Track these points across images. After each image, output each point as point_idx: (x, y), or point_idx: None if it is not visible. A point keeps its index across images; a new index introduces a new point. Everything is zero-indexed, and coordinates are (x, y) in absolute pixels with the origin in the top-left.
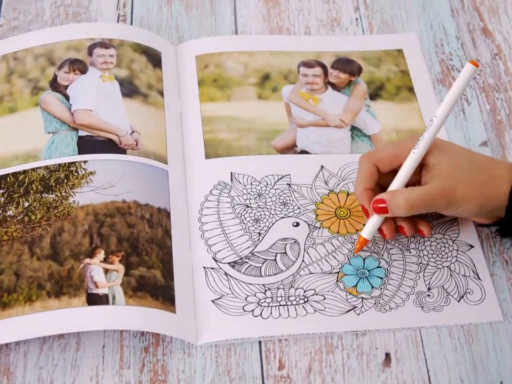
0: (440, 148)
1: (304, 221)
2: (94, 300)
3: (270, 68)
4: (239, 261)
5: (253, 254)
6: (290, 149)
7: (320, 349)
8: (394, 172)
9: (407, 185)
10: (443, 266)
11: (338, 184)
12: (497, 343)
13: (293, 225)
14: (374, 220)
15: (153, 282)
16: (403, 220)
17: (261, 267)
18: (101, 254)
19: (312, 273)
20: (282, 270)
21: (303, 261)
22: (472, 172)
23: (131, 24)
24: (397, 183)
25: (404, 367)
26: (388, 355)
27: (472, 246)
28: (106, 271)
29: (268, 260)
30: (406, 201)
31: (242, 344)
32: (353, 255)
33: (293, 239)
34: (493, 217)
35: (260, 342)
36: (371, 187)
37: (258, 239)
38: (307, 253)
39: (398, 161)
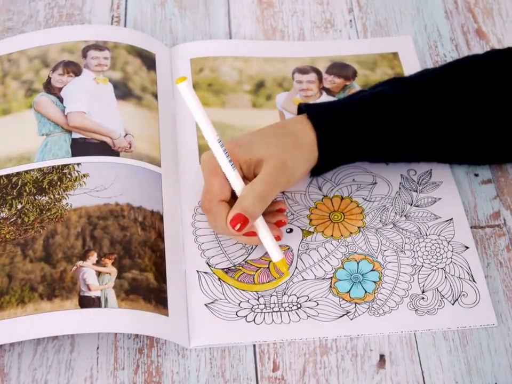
0: (241, 145)
1: (298, 227)
2: (86, 302)
3: (264, 74)
4: (232, 267)
5: (246, 261)
6: None
7: (314, 351)
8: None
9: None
10: (438, 268)
11: (332, 189)
12: (492, 345)
13: (286, 231)
14: (267, 241)
15: (145, 285)
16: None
17: (254, 275)
18: (93, 257)
19: (305, 279)
20: (275, 278)
21: (296, 267)
22: (281, 140)
23: (125, 25)
24: (239, 187)
25: (398, 368)
26: (382, 357)
27: (467, 247)
28: (98, 273)
29: (261, 267)
30: (256, 196)
31: (237, 345)
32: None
33: (286, 245)
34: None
35: (254, 344)
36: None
37: (252, 247)
38: (300, 259)
39: (227, 188)
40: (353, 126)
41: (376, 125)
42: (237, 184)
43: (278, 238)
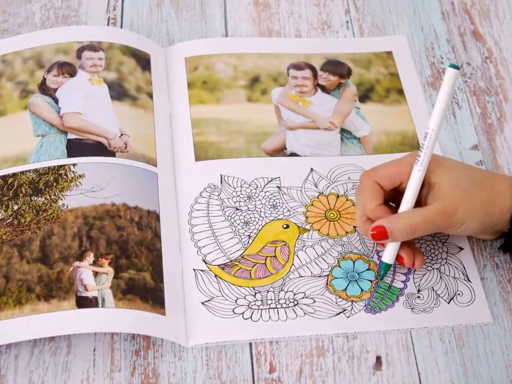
0: (441, 166)
1: (294, 223)
2: (84, 302)
3: (259, 70)
4: (229, 263)
5: (242, 256)
6: (280, 151)
7: (311, 352)
8: (394, 189)
9: None
10: (433, 268)
11: (328, 186)
12: (488, 347)
13: (282, 227)
14: (393, 244)
15: (142, 284)
16: (403, 251)
17: (250, 270)
18: (90, 257)
19: (302, 276)
20: (272, 273)
21: (292, 264)
22: (473, 189)
23: (121, 27)
24: (406, 204)
25: (395, 370)
26: (378, 358)
27: (461, 248)
28: (95, 274)
29: (257, 263)
30: (406, 225)
31: (233, 347)
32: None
33: (283, 241)
34: (495, 232)
35: (250, 345)
36: (380, 203)
37: (248, 241)
38: (297, 255)
39: (399, 179)
40: None
41: None
42: (411, 198)
43: (401, 262)
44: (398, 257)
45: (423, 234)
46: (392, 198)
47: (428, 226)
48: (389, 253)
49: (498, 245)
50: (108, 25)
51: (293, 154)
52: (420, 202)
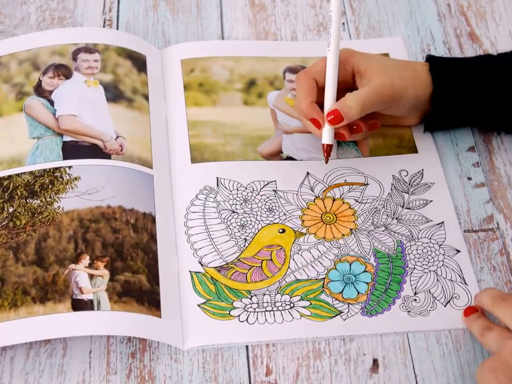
0: (364, 55)
1: (290, 227)
2: (79, 305)
3: (255, 73)
4: (225, 265)
5: (238, 259)
6: (276, 155)
7: (307, 355)
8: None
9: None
10: (429, 271)
11: (324, 190)
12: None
13: (278, 232)
14: (328, 126)
15: (138, 287)
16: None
17: (246, 273)
18: (85, 260)
19: (298, 279)
20: (268, 277)
21: (288, 267)
22: (399, 68)
23: (117, 28)
24: (329, 85)
25: (392, 373)
26: (375, 361)
27: (458, 251)
28: (91, 276)
29: (253, 266)
30: (356, 101)
31: (230, 349)
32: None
33: (279, 245)
34: (422, 112)
35: (247, 347)
36: (313, 100)
37: (244, 245)
38: (293, 259)
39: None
40: (472, 82)
41: (495, 87)
42: (331, 80)
43: (342, 137)
44: (355, 129)
45: (373, 109)
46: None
47: (375, 99)
48: (327, 136)
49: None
50: (103, 26)
51: (289, 158)
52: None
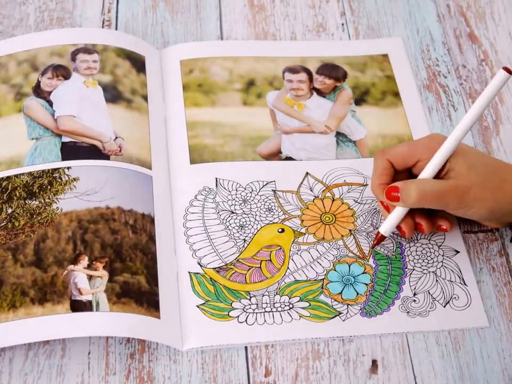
0: (457, 149)
1: (289, 227)
2: (78, 306)
3: (254, 73)
4: (224, 266)
5: (238, 260)
6: (275, 155)
7: (306, 356)
8: (408, 170)
9: None
10: (429, 272)
11: (323, 190)
12: (484, 350)
13: (277, 231)
14: (393, 216)
15: (137, 288)
16: (421, 217)
17: (245, 274)
18: (84, 261)
19: (297, 280)
20: (267, 278)
21: (288, 267)
22: (486, 174)
23: (116, 29)
24: (426, 171)
25: (391, 374)
26: (374, 362)
27: (457, 252)
28: (90, 277)
29: (253, 267)
30: (417, 190)
31: (229, 350)
32: (339, 261)
33: (278, 245)
34: (503, 222)
35: (246, 348)
36: (386, 182)
37: (243, 245)
38: (292, 259)
39: (413, 159)
40: None
41: None
42: (431, 168)
43: (441, 228)
44: (418, 226)
45: (432, 206)
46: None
47: (438, 198)
48: (386, 226)
49: (510, 238)
50: (102, 27)
51: (289, 158)
52: None
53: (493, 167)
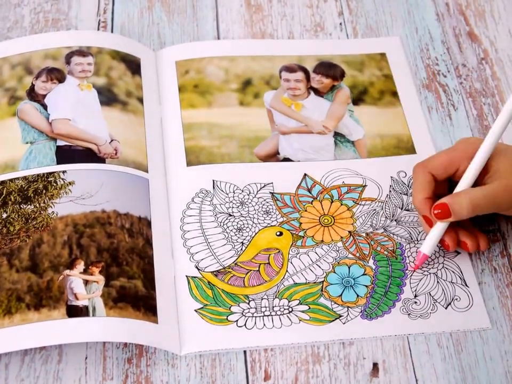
0: (496, 149)
1: (288, 230)
2: (74, 311)
3: (251, 73)
4: (222, 270)
5: (236, 263)
6: (273, 156)
7: (306, 359)
8: (449, 179)
9: None
10: (429, 273)
11: (322, 191)
12: (487, 352)
13: (276, 235)
14: (434, 234)
15: (134, 292)
16: (466, 236)
17: (244, 278)
18: (80, 265)
19: (296, 283)
20: (266, 281)
21: (286, 271)
22: None
23: (112, 30)
24: (464, 184)
25: (392, 377)
26: (375, 365)
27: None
28: (86, 282)
29: (251, 270)
30: (469, 201)
31: (227, 354)
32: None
33: (276, 249)
34: None
35: (245, 352)
36: (430, 196)
37: (241, 248)
38: (291, 263)
39: (454, 167)
40: None
41: None
42: (472, 172)
43: (446, 246)
44: (461, 244)
45: (485, 212)
46: (444, 189)
47: (491, 202)
48: (428, 245)
49: None
50: (98, 28)
51: (286, 159)
52: (476, 186)
53: None
